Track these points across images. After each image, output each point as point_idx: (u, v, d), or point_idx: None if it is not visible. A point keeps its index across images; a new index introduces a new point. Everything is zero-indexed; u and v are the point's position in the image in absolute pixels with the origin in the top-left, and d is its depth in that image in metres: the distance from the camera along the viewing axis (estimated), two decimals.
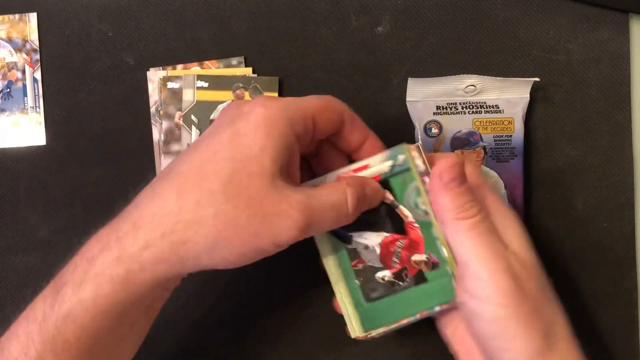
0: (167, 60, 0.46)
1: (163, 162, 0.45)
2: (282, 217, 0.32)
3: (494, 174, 0.43)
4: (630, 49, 0.45)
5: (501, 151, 0.44)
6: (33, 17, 0.47)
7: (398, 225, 0.37)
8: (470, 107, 0.44)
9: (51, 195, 0.46)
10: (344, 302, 0.38)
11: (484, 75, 0.43)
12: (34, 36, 0.47)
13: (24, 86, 0.47)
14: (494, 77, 0.43)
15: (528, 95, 0.44)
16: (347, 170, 0.37)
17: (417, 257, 0.37)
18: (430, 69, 0.46)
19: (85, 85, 0.46)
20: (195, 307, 0.45)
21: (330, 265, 0.38)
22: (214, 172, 0.32)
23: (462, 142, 0.44)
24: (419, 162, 0.36)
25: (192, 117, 0.45)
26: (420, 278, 0.37)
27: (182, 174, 0.33)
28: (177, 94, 0.45)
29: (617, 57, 0.45)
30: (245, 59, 0.46)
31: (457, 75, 0.43)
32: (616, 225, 0.45)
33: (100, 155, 0.46)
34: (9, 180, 0.46)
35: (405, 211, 0.37)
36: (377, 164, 0.37)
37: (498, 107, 0.44)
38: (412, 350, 0.46)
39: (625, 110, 0.45)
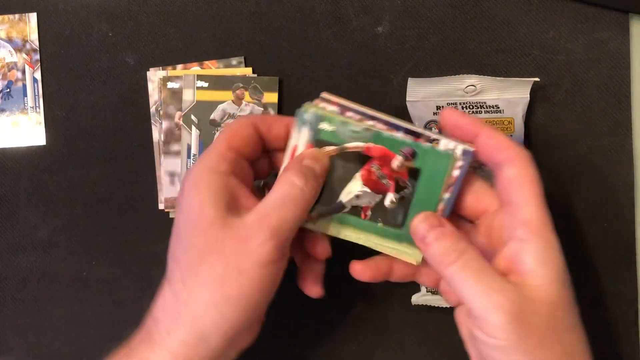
0: (167, 60, 0.46)
1: (163, 162, 0.45)
2: (247, 242, 0.34)
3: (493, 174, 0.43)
4: (630, 49, 0.45)
5: None
6: (33, 17, 0.47)
7: (360, 159, 0.37)
8: (471, 107, 0.44)
9: (51, 195, 0.46)
10: (389, 247, 0.38)
11: (484, 75, 0.43)
12: (33, 36, 0.47)
13: (24, 86, 0.47)
14: (494, 77, 0.43)
15: (528, 95, 0.44)
16: (286, 163, 0.38)
17: (395, 163, 0.37)
18: (430, 69, 0.46)
19: (85, 85, 0.46)
20: None
21: (352, 236, 0.38)
22: (180, 250, 0.35)
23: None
24: (331, 107, 0.37)
25: (192, 117, 0.45)
26: (413, 174, 0.37)
27: (167, 267, 0.36)
28: (177, 94, 0.45)
29: (617, 57, 0.45)
30: (245, 59, 0.46)
31: (457, 75, 0.43)
32: (616, 225, 0.45)
33: (100, 155, 0.46)
34: (9, 180, 0.46)
35: (353, 144, 0.37)
36: (298, 138, 0.37)
37: (498, 107, 0.44)
38: (412, 350, 0.46)
39: (625, 110, 0.45)
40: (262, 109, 0.45)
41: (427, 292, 0.45)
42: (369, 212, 0.38)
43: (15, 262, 0.46)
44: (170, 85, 0.46)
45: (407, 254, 0.38)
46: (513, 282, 0.34)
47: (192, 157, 0.45)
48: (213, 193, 0.35)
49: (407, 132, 0.37)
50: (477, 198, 0.38)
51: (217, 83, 0.45)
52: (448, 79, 0.43)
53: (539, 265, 0.33)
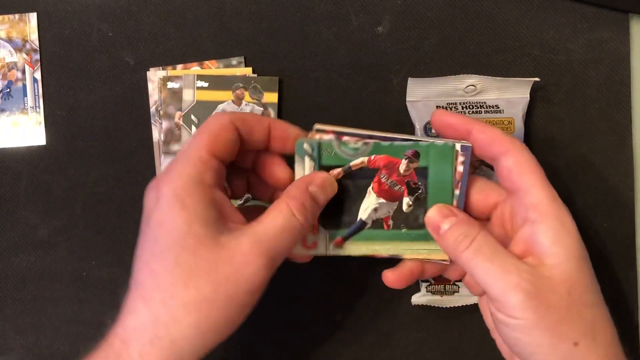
0: (167, 60, 0.46)
1: (163, 162, 0.45)
2: (242, 268, 0.33)
3: (493, 174, 0.43)
4: (630, 49, 0.45)
5: None
6: (33, 17, 0.47)
7: (367, 174, 0.38)
8: (471, 107, 0.44)
9: (51, 195, 0.46)
10: (419, 249, 0.38)
11: (484, 75, 0.43)
12: (34, 36, 0.47)
13: (24, 86, 0.47)
14: (494, 77, 0.43)
15: (528, 95, 0.44)
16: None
17: (401, 167, 0.38)
18: (430, 69, 0.46)
19: (85, 85, 0.46)
20: None
21: (380, 249, 0.39)
22: (162, 268, 0.33)
23: None
24: (327, 137, 0.38)
25: (192, 117, 0.45)
26: (422, 173, 0.38)
27: (138, 282, 0.34)
28: (177, 94, 0.45)
29: (617, 57, 0.45)
30: (245, 59, 0.46)
31: (457, 75, 0.43)
32: (616, 225, 0.45)
33: (100, 155, 0.46)
34: (9, 180, 0.46)
35: (357, 161, 0.38)
36: (303, 171, 0.38)
37: (498, 107, 0.44)
38: (412, 350, 0.46)
39: (625, 110, 0.45)
40: (262, 108, 0.45)
41: (427, 292, 0.45)
42: (390, 222, 0.38)
43: (15, 262, 0.46)
44: (170, 85, 0.46)
45: (437, 252, 0.38)
46: (529, 263, 0.34)
47: None
48: (201, 210, 0.33)
49: (405, 141, 0.38)
50: (485, 195, 0.38)
51: (217, 83, 0.45)
52: (448, 79, 0.43)
53: (554, 244, 0.34)
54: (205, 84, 0.45)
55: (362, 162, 0.38)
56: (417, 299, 0.45)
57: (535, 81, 0.43)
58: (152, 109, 0.46)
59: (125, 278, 0.47)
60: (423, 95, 0.44)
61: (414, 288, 0.45)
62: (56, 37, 0.47)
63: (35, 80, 0.47)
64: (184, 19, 0.46)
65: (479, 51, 0.46)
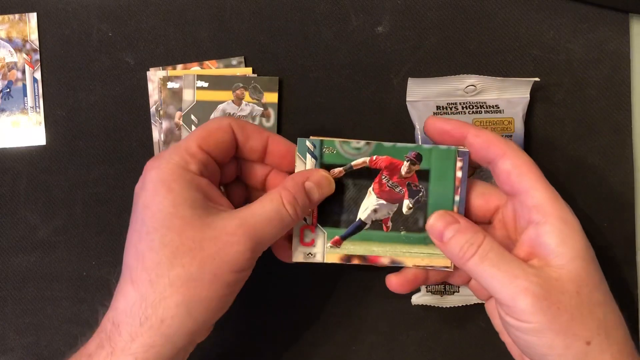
0: (167, 60, 0.46)
1: None
2: (227, 247, 0.33)
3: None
4: (630, 49, 0.45)
5: None
6: (33, 17, 0.47)
7: (369, 174, 0.38)
8: (471, 107, 0.44)
9: (51, 195, 0.46)
10: (417, 254, 0.38)
11: (484, 75, 0.43)
12: (34, 36, 0.47)
13: (24, 86, 0.47)
14: (494, 77, 0.43)
15: (528, 95, 0.44)
16: None
17: (403, 169, 0.38)
18: (430, 69, 0.46)
19: (85, 85, 0.46)
20: None
21: (378, 251, 0.38)
22: (148, 248, 0.33)
23: None
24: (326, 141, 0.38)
25: (192, 117, 0.45)
26: (423, 176, 0.38)
27: (127, 265, 0.34)
28: (177, 94, 0.45)
29: (617, 57, 0.45)
30: (245, 59, 0.46)
31: (457, 75, 0.43)
32: (616, 225, 0.45)
33: (100, 155, 0.46)
34: (9, 180, 0.46)
35: (359, 161, 0.38)
36: (303, 168, 0.38)
37: (498, 107, 0.44)
38: (412, 350, 0.46)
39: (625, 110, 0.45)
40: (262, 108, 0.45)
41: (427, 292, 0.45)
42: (389, 224, 0.38)
43: (15, 262, 0.46)
44: (170, 85, 0.45)
45: (438, 256, 0.38)
46: (536, 265, 0.34)
47: None
48: (187, 193, 0.34)
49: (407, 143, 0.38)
50: (485, 199, 0.38)
51: (217, 83, 0.45)
52: (448, 79, 0.43)
53: (559, 244, 0.34)
54: (205, 84, 0.45)
55: (364, 162, 0.38)
56: (417, 299, 0.45)
57: (535, 81, 0.43)
58: (152, 109, 0.46)
59: None
60: (423, 95, 0.44)
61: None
62: (56, 37, 0.47)
63: (35, 80, 0.47)
64: (184, 19, 0.46)
65: (479, 51, 0.46)
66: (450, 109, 0.44)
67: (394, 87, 0.46)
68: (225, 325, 0.45)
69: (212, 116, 0.45)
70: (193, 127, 0.45)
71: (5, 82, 0.47)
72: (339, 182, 0.38)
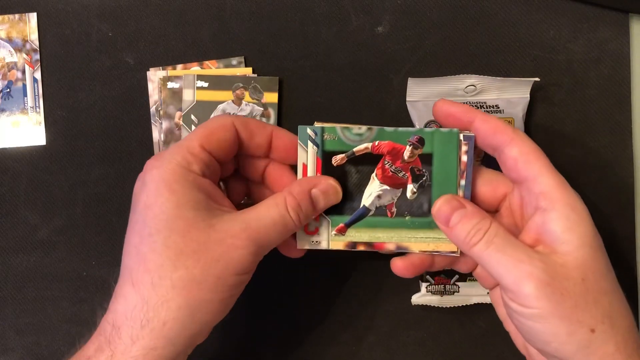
0: (167, 60, 0.46)
1: None
2: (231, 250, 0.33)
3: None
4: (630, 49, 0.45)
5: None
6: (33, 17, 0.47)
7: (371, 160, 0.38)
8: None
9: (51, 195, 0.46)
10: (423, 238, 0.38)
11: (484, 75, 0.43)
12: (34, 36, 0.47)
13: (24, 86, 0.47)
14: (494, 77, 0.43)
15: (528, 95, 0.44)
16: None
17: (406, 154, 0.37)
18: (430, 69, 0.46)
19: (85, 85, 0.46)
20: None
21: (384, 237, 0.38)
22: (150, 250, 0.33)
23: None
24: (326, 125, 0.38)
25: (192, 117, 0.45)
26: (427, 160, 0.38)
27: (127, 266, 0.34)
28: (177, 94, 0.45)
29: (617, 57, 0.45)
30: (245, 59, 0.46)
31: (457, 75, 0.43)
32: (616, 225, 0.45)
33: (100, 155, 0.46)
34: (9, 180, 0.46)
35: (361, 147, 0.37)
36: (306, 156, 0.37)
37: (498, 107, 0.44)
38: (412, 350, 0.46)
39: (625, 110, 0.45)
40: (262, 108, 0.45)
41: (427, 292, 0.45)
42: (394, 209, 0.38)
43: (15, 262, 0.46)
44: (170, 85, 0.46)
45: (443, 241, 0.38)
46: (542, 252, 0.34)
47: None
48: (190, 194, 0.33)
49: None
50: (493, 186, 0.38)
51: (217, 83, 0.45)
52: (448, 79, 0.43)
53: (566, 231, 0.33)
54: (205, 84, 0.45)
55: (366, 148, 0.37)
56: (417, 299, 0.45)
57: (535, 81, 0.43)
58: (152, 109, 0.46)
59: None
60: (423, 95, 0.44)
61: (414, 288, 0.45)
62: (56, 37, 0.47)
63: (35, 80, 0.47)
64: (184, 19, 0.46)
65: (479, 51, 0.46)
66: None
67: (394, 87, 0.46)
68: (225, 326, 0.45)
69: (212, 116, 0.45)
70: (193, 127, 0.45)
71: (5, 82, 0.47)
72: (341, 169, 0.38)
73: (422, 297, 0.45)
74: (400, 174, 0.38)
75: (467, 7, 0.46)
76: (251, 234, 0.34)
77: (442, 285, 0.45)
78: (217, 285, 0.33)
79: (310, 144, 0.37)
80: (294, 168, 0.38)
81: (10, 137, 0.47)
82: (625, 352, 0.32)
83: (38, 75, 0.47)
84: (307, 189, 0.36)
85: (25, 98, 0.47)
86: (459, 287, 0.45)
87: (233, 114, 0.45)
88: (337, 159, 0.37)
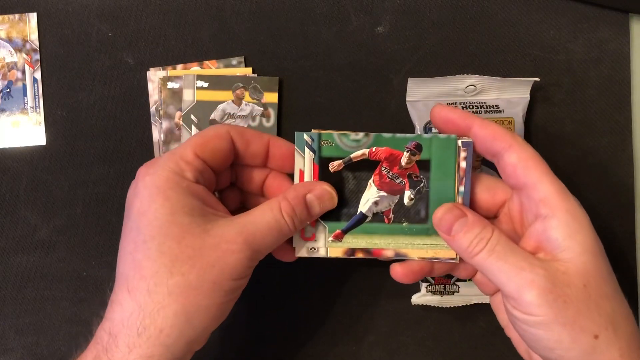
0: (167, 60, 0.46)
1: None
2: (226, 255, 0.33)
3: (493, 173, 0.43)
4: (630, 49, 0.45)
5: None
6: (33, 17, 0.47)
7: (368, 166, 0.38)
8: (471, 107, 0.44)
9: (51, 195, 0.46)
10: (421, 244, 0.38)
11: (484, 75, 0.43)
12: (34, 36, 0.47)
13: (24, 86, 0.47)
14: (494, 77, 0.43)
15: (528, 95, 0.44)
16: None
17: (403, 160, 0.37)
18: (430, 69, 0.46)
19: (85, 85, 0.46)
20: None
21: (381, 243, 0.38)
22: (145, 257, 0.33)
23: None
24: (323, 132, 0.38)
25: (192, 117, 0.45)
26: (424, 166, 0.38)
27: (122, 274, 0.34)
28: (177, 94, 0.45)
29: (617, 57, 0.45)
30: (245, 59, 0.46)
31: (457, 75, 0.43)
32: (616, 225, 0.45)
33: (100, 155, 0.46)
34: (9, 180, 0.46)
35: (358, 153, 0.37)
36: (303, 162, 0.37)
37: (498, 107, 0.44)
38: (412, 350, 0.46)
39: (625, 110, 0.45)
40: (262, 108, 0.45)
41: (427, 292, 0.45)
42: (391, 215, 0.38)
43: (15, 262, 0.46)
44: (170, 85, 0.46)
45: (441, 247, 0.38)
46: (543, 259, 0.34)
47: None
48: (184, 200, 0.33)
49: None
50: (491, 193, 0.38)
51: (217, 83, 0.45)
52: (448, 79, 0.43)
53: (567, 239, 0.33)
54: (205, 84, 0.45)
55: (364, 154, 0.37)
56: (417, 299, 0.45)
57: (535, 81, 0.43)
58: (152, 109, 0.46)
59: None
60: (423, 95, 0.44)
61: (414, 288, 0.45)
62: (56, 37, 0.47)
63: (35, 80, 0.47)
64: (184, 19, 0.46)
65: (479, 51, 0.46)
66: None
67: (394, 87, 0.46)
68: (225, 327, 0.45)
69: (212, 116, 0.45)
70: (193, 127, 0.45)
71: (5, 82, 0.47)
72: (338, 175, 0.38)
73: (422, 297, 0.45)
74: (398, 181, 0.38)
75: (467, 7, 0.46)
76: (246, 238, 0.34)
77: (442, 286, 0.45)
78: (214, 291, 0.33)
79: (307, 150, 0.37)
80: (292, 177, 0.38)
81: (10, 137, 0.47)
82: (629, 357, 0.32)
83: (38, 75, 0.47)
84: (301, 194, 0.36)
85: (25, 98, 0.47)
86: (458, 287, 0.45)
87: (233, 114, 0.45)
88: (334, 165, 0.37)
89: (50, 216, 0.46)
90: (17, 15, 0.47)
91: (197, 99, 0.45)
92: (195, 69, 0.46)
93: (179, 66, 0.46)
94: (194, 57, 0.46)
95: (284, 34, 0.46)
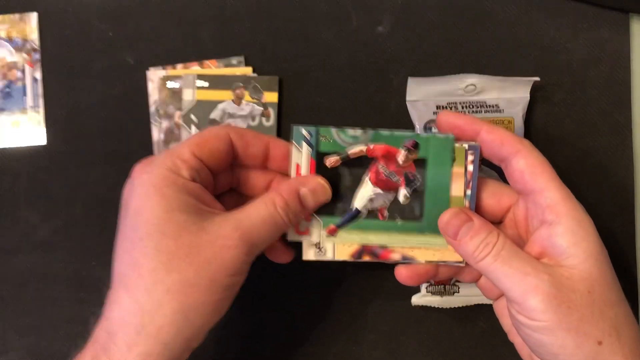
0: (167, 60, 0.46)
1: None
2: (223, 252, 0.33)
3: (494, 174, 0.43)
4: (630, 49, 0.45)
5: None
6: (33, 16, 0.47)
7: (365, 162, 0.37)
8: (471, 106, 0.44)
9: (51, 195, 0.46)
10: (415, 242, 0.38)
11: (484, 74, 0.43)
12: (34, 36, 0.47)
13: (24, 86, 0.47)
14: (494, 77, 0.43)
15: (528, 95, 0.44)
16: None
17: (400, 158, 0.37)
18: (430, 69, 0.46)
19: (85, 85, 0.46)
20: None
21: (374, 240, 0.38)
22: (142, 255, 0.33)
23: None
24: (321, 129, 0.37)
25: (192, 116, 0.45)
26: (421, 165, 0.37)
27: (119, 272, 0.34)
28: (177, 94, 0.45)
29: (617, 57, 0.45)
30: (245, 58, 0.46)
31: (457, 75, 0.43)
32: (616, 225, 0.45)
33: (100, 155, 0.46)
34: (9, 180, 0.46)
35: (355, 149, 0.37)
36: (300, 156, 0.37)
37: (498, 107, 0.44)
38: (412, 350, 0.46)
39: (625, 110, 0.45)
40: (262, 108, 0.45)
41: (427, 292, 0.45)
42: (385, 213, 0.38)
43: (15, 262, 0.46)
44: (170, 85, 0.46)
45: (448, 251, 0.38)
46: (547, 264, 0.34)
47: None
48: (180, 198, 0.33)
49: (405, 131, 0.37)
50: (497, 198, 0.38)
51: (217, 83, 0.45)
52: (448, 78, 0.43)
53: (572, 245, 0.34)
54: (205, 84, 0.45)
55: (361, 151, 0.37)
56: (417, 299, 0.45)
57: (535, 81, 0.43)
58: (152, 109, 0.46)
59: None
60: (423, 95, 0.44)
61: (414, 288, 0.45)
62: (56, 37, 0.47)
63: (35, 80, 0.47)
64: (184, 19, 0.46)
65: (479, 51, 0.46)
66: (450, 108, 0.44)
67: (394, 87, 0.46)
68: (223, 326, 0.45)
69: (212, 116, 0.45)
70: (193, 127, 0.45)
71: (5, 82, 0.47)
72: (334, 170, 0.37)
73: (422, 297, 0.45)
74: (394, 178, 0.38)
75: (467, 7, 0.46)
76: (242, 234, 0.34)
77: (442, 286, 0.45)
78: (211, 287, 0.33)
79: (304, 144, 0.37)
80: None
81: (10, 137, 0.47)
82: None
83: (38, 75, 0.47)
84: (295, 188, 0.36)
85: (25, 98, 0.47)
86: (459, 288, 0.45)
87: (233, 113, 0.45)
88: (331, 161, 0.37)
89: (50, 216, 0.46)
90: (17, 15, 0.47)
91: (197, 98, 0.45)
92: (195, 68, 0.46)
93: (179, 66, 0.46)
94: (194, 57, 0.46)
95: (284, 33, 0.46)
